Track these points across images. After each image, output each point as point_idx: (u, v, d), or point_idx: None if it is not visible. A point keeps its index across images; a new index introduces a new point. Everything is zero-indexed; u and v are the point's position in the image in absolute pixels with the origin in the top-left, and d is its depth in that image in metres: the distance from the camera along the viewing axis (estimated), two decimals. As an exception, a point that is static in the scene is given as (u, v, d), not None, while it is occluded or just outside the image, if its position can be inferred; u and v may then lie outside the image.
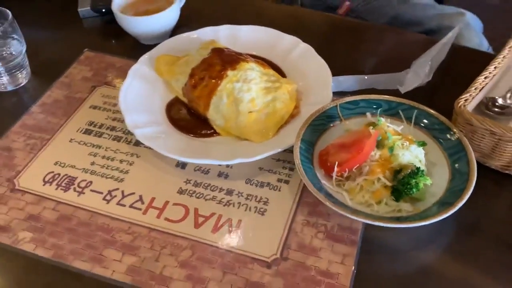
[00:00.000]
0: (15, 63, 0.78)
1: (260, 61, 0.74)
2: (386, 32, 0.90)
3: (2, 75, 0.78)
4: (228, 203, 0.61)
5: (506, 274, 0.53)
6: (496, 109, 0.68)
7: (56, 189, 0.64)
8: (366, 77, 0.76)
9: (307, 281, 0.53)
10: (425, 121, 0.64)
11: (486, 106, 0.68)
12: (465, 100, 0.61)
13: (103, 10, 0.92)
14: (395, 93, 0.73)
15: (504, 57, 0.68)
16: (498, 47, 0.83)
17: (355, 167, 0.58)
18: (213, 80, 0.69)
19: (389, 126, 0.61)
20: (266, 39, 0.82)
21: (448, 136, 0.62)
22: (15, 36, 0.78)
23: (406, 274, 0.54)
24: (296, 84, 0.72)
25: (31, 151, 0.69)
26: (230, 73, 0.69)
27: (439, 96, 0.75)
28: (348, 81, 0.76)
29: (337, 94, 0.75)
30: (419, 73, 0.74)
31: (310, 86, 0.73)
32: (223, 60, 0.71)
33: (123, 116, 0.69)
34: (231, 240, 0.57)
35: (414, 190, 0.55)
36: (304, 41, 0.80)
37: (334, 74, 0.74)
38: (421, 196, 0.57)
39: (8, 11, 0.76)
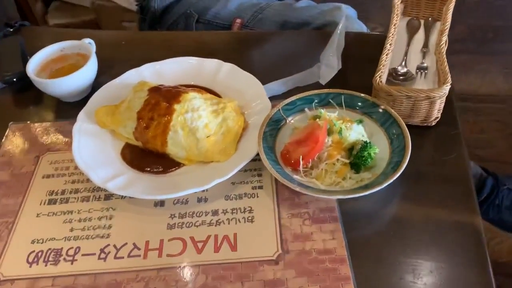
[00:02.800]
0: None
1: (196, 88, 0.80)
2: (286, 36, 1.02)
3: None
4: (218, 223, 0.67)
5: (450, 202, 0.67)
6: (400, 77, 0.82)
7: (46, 265, 0.64)
8: (288, 79, 0.86)
9: (313, 263, 0.61)
10: (353, 102, 0.76)
11: (392, 76, 0.82)
12: (380, 76, 0.74)
13: (14, 79, 0.90)
14: (318, 85, 0.84)
15: (392, 34, 0.83)
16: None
17: (315, 156, 0.68)
18: (163, 118, 0.73)
19: (329, 115, 0.71)
20: (190, 68, 0.88)
21: (376, 109, 0.74)
22: None
23: (384, 227, 0.65)
24: (235, 100, 0.79)
25: (-1, 239, 0.67)
26: (177, 106, 0.74)
27: (351, 77, 0.87)
28: (275, 86, 0.85)
29: (269, 99, 0.84)
30: (331, 64, 0.85)
31: (248, 99, 0.81)
32: (165, 96, 0.75)
33: (87, 175, 0.70)
34: (235, 253, 0.63)
35: (369, 160, 0.66)
36: (221, 59, 0.87)
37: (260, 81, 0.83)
38: (374, 163, 0.68)
39: None
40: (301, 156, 0.67)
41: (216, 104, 0.77)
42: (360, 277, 0.59)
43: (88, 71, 0.86)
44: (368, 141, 0.68)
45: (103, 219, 0.69)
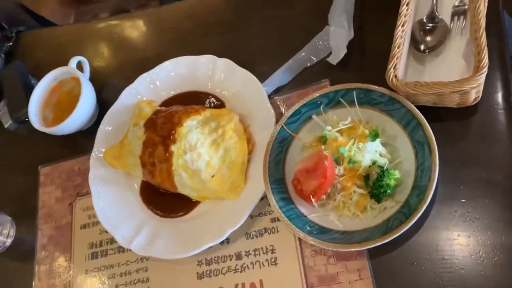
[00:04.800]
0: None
1: (191, 108, 0.72)
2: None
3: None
4: (243, 268, 0.66)
5: (497, 221, 0.56)
6: (428, 37, 0.65)
7: (104, 325, 0.71)
8: (292, 62, 0.73)
9: (340, 309, 0.59)
10: (367, 98, 0.63)
11: (418, 35, 0.64)
12: (394, 68, 0.58)
13: (26, 119, 0.89)
14: (329, 66, 0.70)
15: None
16: None
17: (327, 190, 0.60)
18: (164, 164, 0.69)
19: (337, 136, 0.60)
20: (184, 72, 0.79)
21: (395, 106, 0.61)
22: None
23: (413, 257, 0.58)
24: (235, 113, 0.71)
25: (63, 301, 0.75)
26: (174, 148, 0.68)
27: (368, 42, 0.71)
28: (280, 75, 0.73)
29: (275, 92, 0.73)
30: (342, 27, 0.69)
31: (249, 106, 0.72)
32: (160, 135, 0.70)
33: (112, 235, 0.72)
34: (263, 302, 0.63)
35: (388, 190, 0.57)
36: (217, 38, 0.81)
37: (261, 62, 0.75)
38: (399, 181, 0.58)
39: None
40: (311, 196, 0.60)
41: (214, 130, 0.69)
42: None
43: (86, 103, 0.81)
44: (385, 168, 0.57)
45: (140, 272, 0.72)
